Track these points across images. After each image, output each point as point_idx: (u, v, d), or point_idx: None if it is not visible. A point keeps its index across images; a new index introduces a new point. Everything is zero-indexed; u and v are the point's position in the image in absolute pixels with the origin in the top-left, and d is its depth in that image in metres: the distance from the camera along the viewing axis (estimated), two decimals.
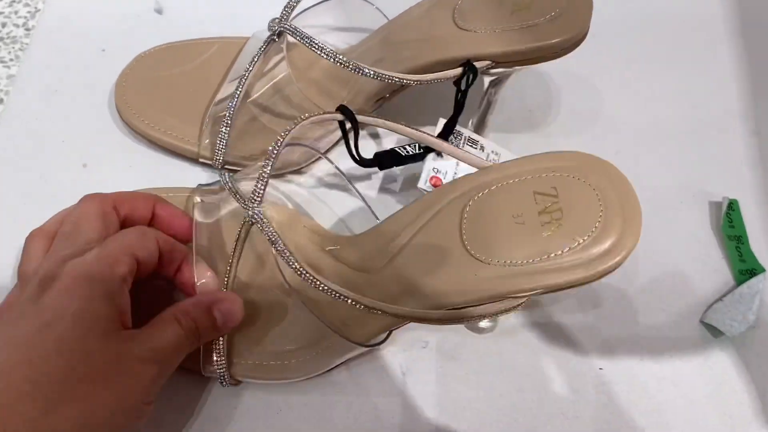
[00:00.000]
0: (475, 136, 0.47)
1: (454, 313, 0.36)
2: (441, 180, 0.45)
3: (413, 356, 0.42)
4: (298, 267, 0.35)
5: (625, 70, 0.57)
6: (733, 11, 0.62)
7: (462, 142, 0.47)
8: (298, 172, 0.49)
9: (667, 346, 0.44)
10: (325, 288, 0.35)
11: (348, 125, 0.41)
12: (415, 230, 0.39)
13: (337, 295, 0.35)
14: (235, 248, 0.38)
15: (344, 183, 0.48)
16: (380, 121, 0.42)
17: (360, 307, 0.35)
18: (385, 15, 0.50)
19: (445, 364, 0.42)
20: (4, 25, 0.63)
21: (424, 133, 0.42)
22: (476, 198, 0.37)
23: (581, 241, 0.33)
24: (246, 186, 0.40)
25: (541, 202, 0.35)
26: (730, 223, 0.49)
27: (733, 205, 0.49)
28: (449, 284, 0.36)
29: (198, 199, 0.42)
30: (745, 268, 0.47)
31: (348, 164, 0.46)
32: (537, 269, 0.34)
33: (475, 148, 0.47)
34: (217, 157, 0.45)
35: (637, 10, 0.61)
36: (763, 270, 0.47)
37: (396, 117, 0.51)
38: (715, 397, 0.42)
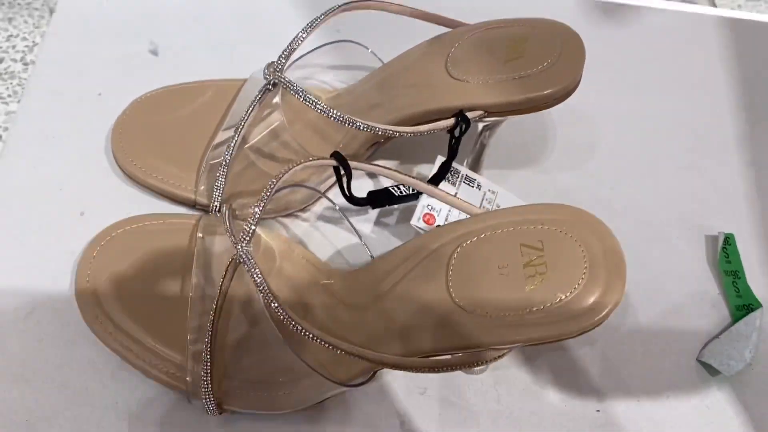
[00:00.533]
0: (472, 174, 0.47)
1: (433, 362, 0.36)
2: (434, 217, 0.45)
3: (411, 403, 0.42)
4: (281, 311, 0.35)
5: (621, 103, 0.57)
6: (728, 42, 0.62)
7: (459, 180, 0.47)
8: (302, 211, 0.49)
9: (663, 386, 0.44)
10: (307, 333, 0.35)
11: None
12: (403, 272, 0.39)
13: (318, 339, 0.35)
14: (222, 282, 0.39)
15: (342, 218, 0.49)
16: (373, 167, 0.42)
17: (340, 352, 0.35)
18: (380, 59, 0.50)
19: (444, 411, 0.42)
20: (1, 60, 0.63)
21: (416, 179, 0.43)
22: (464, 245, 0.38)
23: (563, 297, 0.34)
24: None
25: (526, 254, 0.36)
26: (726, 259, 0.49)
27: (729, 240, 0.49)
28: (433, 330, 0.36)
29: (200, 234, 0.43)
30: (741, 304, 0.47)
31: (344, 200, 0.47)
32: (518, 322, 0.34)
33: (472, 187, 0.47)
34: (214, 204, 0.45)
35: (631, 43, 0.61)
36: (760, 305, 0.47)
37: (392, 154, 0.51)
38: None
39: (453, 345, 0.35)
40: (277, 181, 0.38)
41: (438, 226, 0.44)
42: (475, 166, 0.49)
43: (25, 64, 0.65)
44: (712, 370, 0.45)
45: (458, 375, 0.43)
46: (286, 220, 0.49)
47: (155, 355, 0.40)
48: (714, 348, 0.45)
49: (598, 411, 0.43)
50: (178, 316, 0.40)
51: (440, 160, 0.46)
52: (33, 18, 0.67)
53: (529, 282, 0.34)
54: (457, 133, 0.42)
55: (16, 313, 0.43)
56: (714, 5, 0.79)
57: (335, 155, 0.40)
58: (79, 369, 0.41)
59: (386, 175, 0.42)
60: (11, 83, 0.63)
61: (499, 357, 0.36)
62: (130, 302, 0.41)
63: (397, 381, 0.43)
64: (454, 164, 0.46)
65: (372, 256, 0.45)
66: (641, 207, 0.52)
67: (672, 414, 0.43)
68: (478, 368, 0.43)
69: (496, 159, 0.52)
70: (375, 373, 0.39)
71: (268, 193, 0.38)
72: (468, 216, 0.41)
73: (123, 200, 0.47)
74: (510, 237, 0.36)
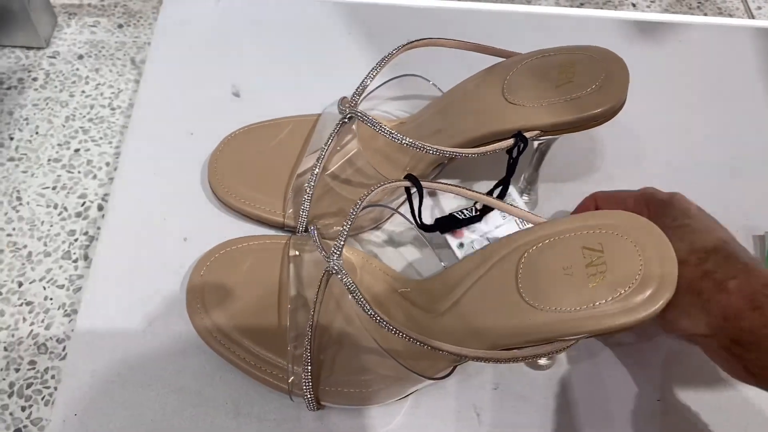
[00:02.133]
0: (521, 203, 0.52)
1: (511, 353, 0.40)
2: None
3: (486, 397, 0.47)
4: (373, 313, 0.40)
5: (665, 116, 0.61)
6: (767, 52, 0.65)
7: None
8: (375, 228, 0.55)
9: (720, 377, 0.48)
10: (397, 331, 0.40)
11: (413, 189, 0.47)
12: (476, 278, 0.44)
13: (408, 337, 0.40)
14: (318, 292, 0.44)
15: (411, 232, 0.54)
16: (442, 186, 0.48)
17: (426, 347, 0.40)
18: (440, 89, 0.55)
19: (516, 403, 0.46)
20: (92, 107, 0.71)
21: (482, 194, 0.48)
22: (531, 251, 0.42)
23: (623, 291, 0.38)
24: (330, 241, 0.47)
25: (588, 256, 0.40)
26: None
27: None
28: (506, 327, 0.41)
29: (295, 252, 0.48)
30: None
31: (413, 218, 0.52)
32: (584, 316, 0.38)
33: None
34: (300, 225, 0.51)
35: (672, 59, 0.65)
36: None
37: (454, 174, 0.56)
38: None
39: (526, 339, 0.40)
40: (362, 203, 0.44)
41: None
42: (532, 181, 0.54)
43: (113, 109, 0.72)
44: None
45: (527, 370, 0.48)
46: (362, 236, 0.54)
47: (258, 358, 0.45)
48: None
49: (659, 400, 0.47)
50: (276, 322, 0.46)
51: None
52: (116, 67, 0.75)
53: (592, 280, 0.39)
54: (515, 153, 0.47)
55: (136, 328, 0.49)
56: (752, 16, 0.82)
57: (409, 177, 0.45)
58: (193, 374, 0.47)
59: (455, 192, 0.47)
60: (101, 126, 0.70)
61: (566, 348, 0.40)
62: (235, 313, 0.47)
63: (472, 378, 0.47)
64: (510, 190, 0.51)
65: (444, 265, 0.50)
66: None
67: (729, 402, 0.47)
68: (546, 363, 0.47)
69: (548, 174, 0.56)
70: (455, 368, 0.44)
71: (354, 214, 0.43)
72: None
73: (220, 225, 0.53)
74: (573, 241, 0.41)
